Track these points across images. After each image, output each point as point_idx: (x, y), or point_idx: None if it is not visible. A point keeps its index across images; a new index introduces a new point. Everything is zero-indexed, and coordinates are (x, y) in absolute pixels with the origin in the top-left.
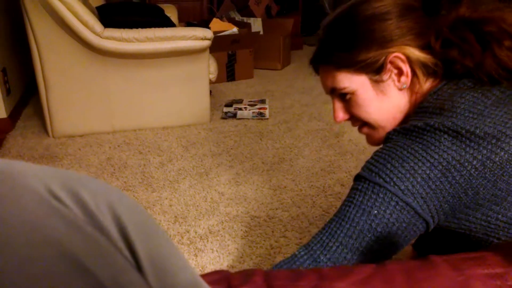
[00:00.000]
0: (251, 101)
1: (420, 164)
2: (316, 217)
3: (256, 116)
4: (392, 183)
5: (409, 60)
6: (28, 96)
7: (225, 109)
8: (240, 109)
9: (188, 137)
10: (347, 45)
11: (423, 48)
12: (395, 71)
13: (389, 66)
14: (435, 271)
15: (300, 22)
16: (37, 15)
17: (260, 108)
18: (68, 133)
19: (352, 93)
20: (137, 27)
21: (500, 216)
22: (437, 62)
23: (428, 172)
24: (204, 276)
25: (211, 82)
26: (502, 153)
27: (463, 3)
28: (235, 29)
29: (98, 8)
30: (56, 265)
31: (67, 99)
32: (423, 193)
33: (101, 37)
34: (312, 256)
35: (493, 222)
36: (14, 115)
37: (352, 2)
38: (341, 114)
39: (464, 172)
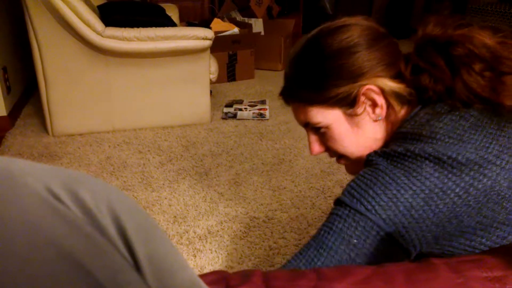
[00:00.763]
0: (252, 102)
1: (402, 191)
2: (315, 218)
3: (256, 117)
4: (373, 211)
5: (383, 91)
6: (28, 95)
7: (225, 110)
8: (241, 109)
9: (188, 137)
10: (316, 83)
11: (395, 77)
12: (369, 102)
13: (362, 98)
14: (435, 273)
15: (301, 23)
16: (38, 13)
17: (260, 109)
18: (68, 131)
19: (327, 127)
20: (138, 27)
21: (484, 240)
22: (410, 90)
23: (410, 200)
24: (203, 276)
25: (211, 82)
26: (485, 180)
27: (430, 21)
28: (236, 30)
29: (99, 7)
30: (56, 265)
31: (67, 98)
32: (406, 222)
33: (102, 36)
34: None
35: (477, 246)
36: (14, 113)
37: (315, 34)
38: (316, 147)
39: (447, 200)
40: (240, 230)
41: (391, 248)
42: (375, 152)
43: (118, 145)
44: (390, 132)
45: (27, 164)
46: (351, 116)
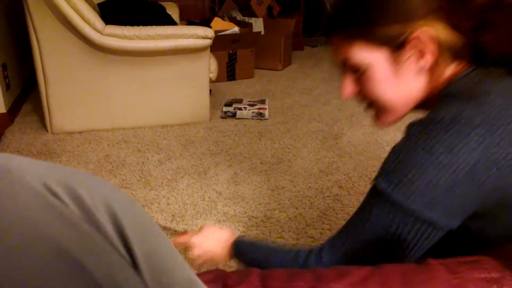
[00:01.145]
0: (251, 101)
1: (443, 171)
2: (313, 218)
3: (256, 116)
4: (412, 198)
5: (435, 39)
6: (27, 92)
7: (225, 109)
8: (240, 108)
9: (187, 135)
10: (366, 17)
11: (452, 27)
12: (418, 49)
13: (411, 43)
14: (432, 274)
15: (302, 23)
16: (39, 11)
17: (259, 108)
18: (67, 129)
19: (366, 69)
20: (138, 25)
21: None
22: (465, 44)
23: (452, 177)
24: (200, 275)
25: (211, 81)
26: None
27: None
28: (236, 29)
29: (99, 5)
30: (52, 262)
31: (67, 96)
32: (447, 203)
33: (102, 34)
34: (320, 263)
35: None
36: (13, 111)
37: None
38: (349, 89)
39: (493, 171)
40: (239, 230)
41: (431, 233)
42: (418, 122)
43: (117, 143)
44: (432, 90)
45: (25, 160)
46: (395, 61)
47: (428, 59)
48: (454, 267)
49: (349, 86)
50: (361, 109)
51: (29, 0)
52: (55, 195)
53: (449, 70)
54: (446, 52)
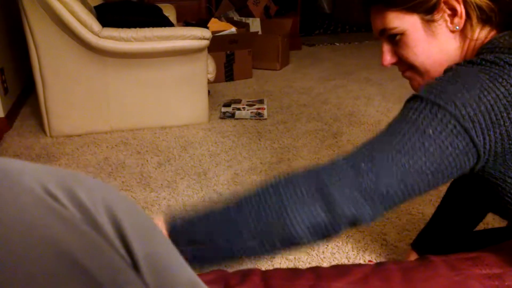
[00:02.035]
0: (250, 101)
1: (485, 93)
2: None
3: (255, 116)
4: (453, 106)
5: (464, 1)
6: (25, 96)
7: (224, 109)
8: (239, 109)
9: (186, 137)
10: None
11: None
12: (449, 11)
13: (442, 5)
14: (433, 271)
15: (298, 22)
16: (35, 14)
17: (258, 108)
18: (66, 132)
19: (402, 34)
20: (135, 27)
21: None
22: (494, 8)
23: (492, 102)
24: (202, 275)
25: (209, 82)
26: None
27: None
28: (233, 29)
29: (96, 7)
30: (53, 264)
31: (65, 99)
32: (483, 123)
33: (99, 36)
34: (353, 166)
35: None
36: (11, 115)
37: None
38: (388, 57)
39: None
40: None
41: (465, 146)
42: (455, 64)
43: (116, 145)
44: (466, 52)
45: (24, 164)
46: (428, 23)
47: (459, 20)
48: (455, 263)
49: (388, 55)
50: (360, 107)
51: (25, 3)
52: (54, 198)
53: (482, 33)
54: (474, 13)
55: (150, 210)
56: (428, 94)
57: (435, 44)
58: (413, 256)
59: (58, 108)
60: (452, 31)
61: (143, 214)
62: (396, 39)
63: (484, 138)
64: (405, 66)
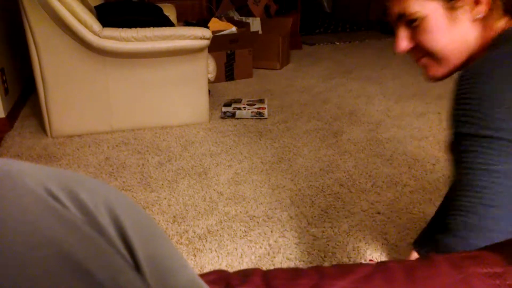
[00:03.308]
0: (250, 101)
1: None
2: (315, 217)
3: (255, 116)
4: (496, 127)
5: None
6: (26, 96)
7: (224, 109)
8: (239, 108)
9: (187, 136)
10: None
11: None
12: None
13: None
14: (435, 270)
15: (299, 22)
16: (36, 14)
17: (259, 108)
18: (66, 133)
19: (422, 19)
20: (135, 27)
21: None
22: None
23: None
24: (203, 275)
25: (209, 82)
26: None
27: None
28: (233, 29)
29: (96, 7)
30: (55, 266)
31: (66, 99)
32: None
33: (99, 36)
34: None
35: None
36: (12, 115)
37: None
38: (404, 43)
39: None
40: (240, 229)
41: None
42: (465, 70)
43: (116, 145)
44: (484, 42)
45: (26, 165)
46: (450, 10)
47: (482, 8)
48: (458, 262)
49: (404, 40)
50: (360, 107)
51: (26, 4)
52: (56, 199)
53: (501, 23)
54: (498, 2)
55: (151, 210)
56: (469, 128)
57: (455, 31)
58: (414, 256)
59: (58, 108)
60: (474, 19)
61: (145, 215)
62: (415, 24)
63: None
64: (421, 53)
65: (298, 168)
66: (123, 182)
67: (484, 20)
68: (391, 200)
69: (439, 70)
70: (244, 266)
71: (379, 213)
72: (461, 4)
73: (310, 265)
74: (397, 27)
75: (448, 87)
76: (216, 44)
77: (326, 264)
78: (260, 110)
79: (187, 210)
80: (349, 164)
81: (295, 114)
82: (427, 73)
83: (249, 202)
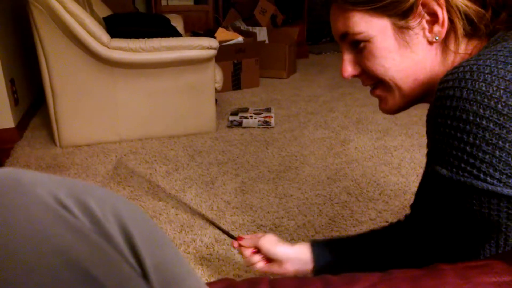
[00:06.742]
0: (257, 110)
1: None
2: (322, 225)
3: (262, 125)
4: (489, 179)
5: (448, 6)
6: (36, 106)
7: (231, 118)
8: (246, 117)
9: (194, 146)
10: None
11: None
12: (428, 17)
13: (420, 9)
14: (442, 279)
15: (305, 31)
16: (45, 26)
17: (265, 117)
18: (75, 142)
19: (368, 41)
20: (143, 37)
21: None
22: (486, 17)
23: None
24: (210, 284)
25: (216, 91)
26: None
27: None
28: (240, 39)
29: (105, 19)
30: (63, 274)
31: (74, 109)
32: None
33: (108, 47)
34: None
35: None
36: (22, 125)
37: None
38: (349, 68)
39: None
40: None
41: None
42: (445, 78)
43: (125, 155)
44: (447, 69)
45: (36, 174)
46: (401, 30)
47: (439, 29)
48: (465, 271)
49: (349, 65)
50: (367, 115)
51: (36, 15)
52: (65, 207)
53: (469, 46)
54: (459, 22)
55: (159, 219)
56: (460, 175)
57: (407, 55)
58: None
59: (67, 118)
60: (431, 41)
61: (152, 223)
62: (360, 47)
63: None
64: (371, 80)
65: (305, 176)
66: (131, 191)
67: (445, 42)
68: (400, 208)
69: (392, 101)
70: (251, 275)
71: (387, 222)
72: (415, 24)
73: None
74: (342, 48)
75: None
76: (223, 54)
77: None
78: (267, 119)
79: (194, 219)
80: (356, 172)
81: (302, 122)
82: (382, 105)
83: (256, 211)
